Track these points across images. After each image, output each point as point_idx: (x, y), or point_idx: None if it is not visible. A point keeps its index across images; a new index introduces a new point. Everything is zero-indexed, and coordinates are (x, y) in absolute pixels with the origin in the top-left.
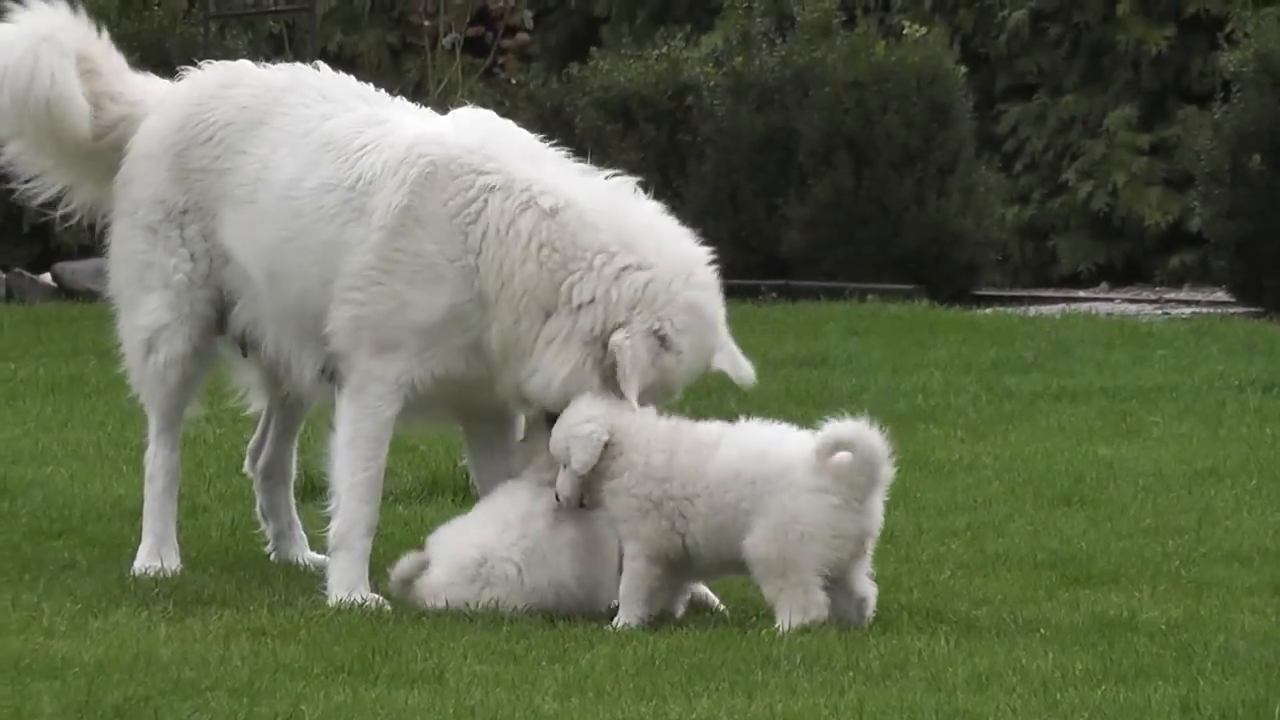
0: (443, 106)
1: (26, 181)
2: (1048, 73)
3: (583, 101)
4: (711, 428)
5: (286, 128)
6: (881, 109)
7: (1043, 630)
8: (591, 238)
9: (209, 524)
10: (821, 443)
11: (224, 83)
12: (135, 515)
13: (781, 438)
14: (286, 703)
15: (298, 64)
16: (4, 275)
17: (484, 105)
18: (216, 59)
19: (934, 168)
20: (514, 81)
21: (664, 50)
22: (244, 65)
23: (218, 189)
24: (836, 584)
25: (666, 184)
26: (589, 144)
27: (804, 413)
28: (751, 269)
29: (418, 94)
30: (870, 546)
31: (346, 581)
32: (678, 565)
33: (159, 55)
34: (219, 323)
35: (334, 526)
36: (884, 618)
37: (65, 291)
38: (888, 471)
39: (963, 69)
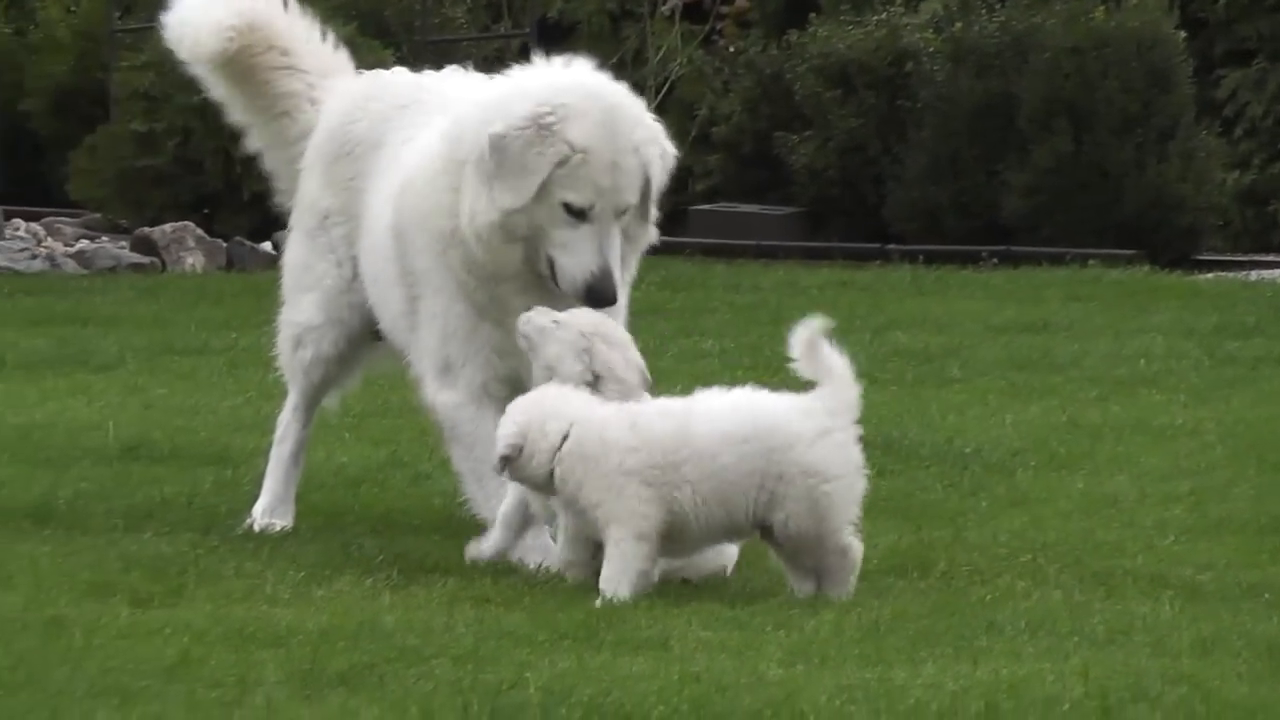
0: (661, 74)
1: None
2: (1267, 38)
3: (802, 68)
4: (667, 400)
5: (393, 150)
6: (1101, 74)
7: (1267, 595)
8: None
9: (431, 491)
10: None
11: (366, 95)
12: (357, 483)
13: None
14: (511, 670)
15: (429, 72)
16: (224, 244)
17: (702, 72)
18: (433, 28)
19: (1154, 133)
20: (732, 49)
21: (883, 16)
22: (384, 77)
23: (356, 204)
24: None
25: (886, 150)
26: (808, 110)
27: (1025, 378)
28: (972, 235)
29: (636, 61)
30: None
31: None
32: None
33: (377, 25)
34: (371, 327)
35: None
36: (1108, 583)
37: None
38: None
39: (1182, 34)
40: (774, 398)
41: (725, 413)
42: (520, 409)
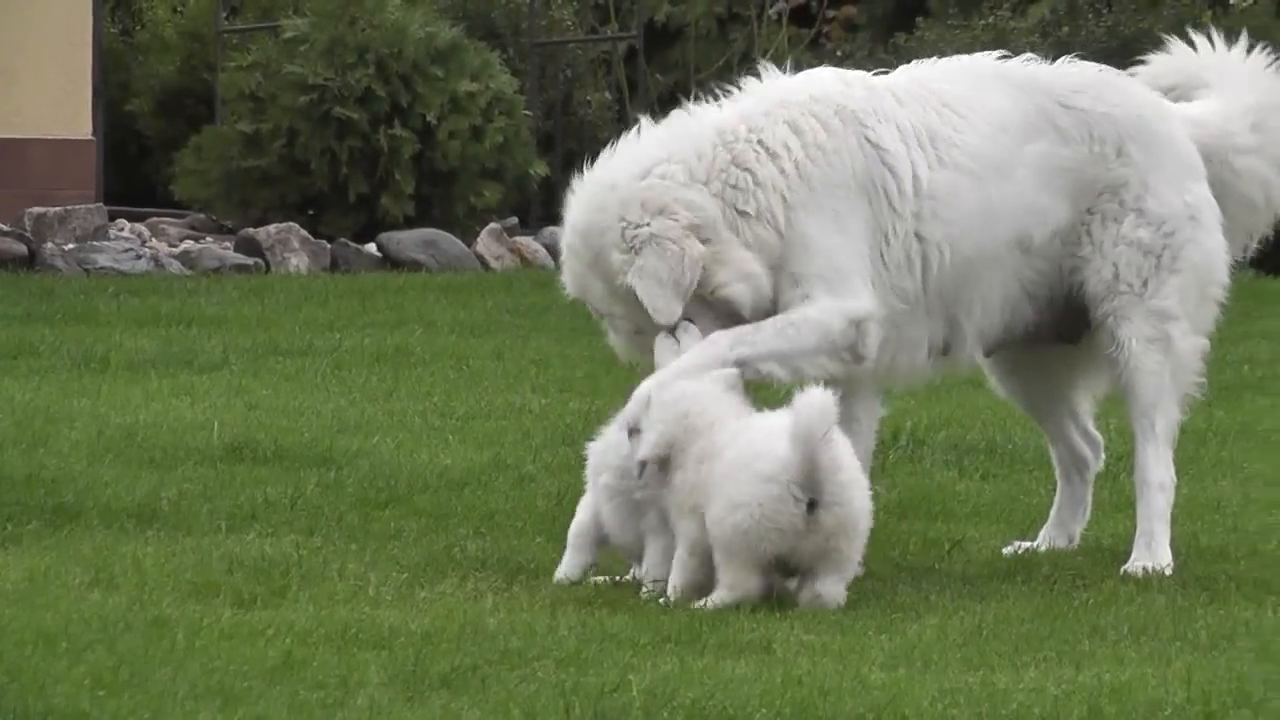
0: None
1: None
2: None
3: None
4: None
5: None
6: None
7: None
8: None
9: (535, 494)
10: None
11: None
12: (461, 485)
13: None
14: (614, 672)
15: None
16: (330, 245)
17: None
18: (540, 30)
19: None
20: (839, 52)
21: (990, 20)
22: None
23: None
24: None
25: None
26: None
27: None
28: None
29: (743, 64)
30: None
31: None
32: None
33: (485, 26)
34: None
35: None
36: (1211, 588)
37: (390, 261)
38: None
39: None
40: None
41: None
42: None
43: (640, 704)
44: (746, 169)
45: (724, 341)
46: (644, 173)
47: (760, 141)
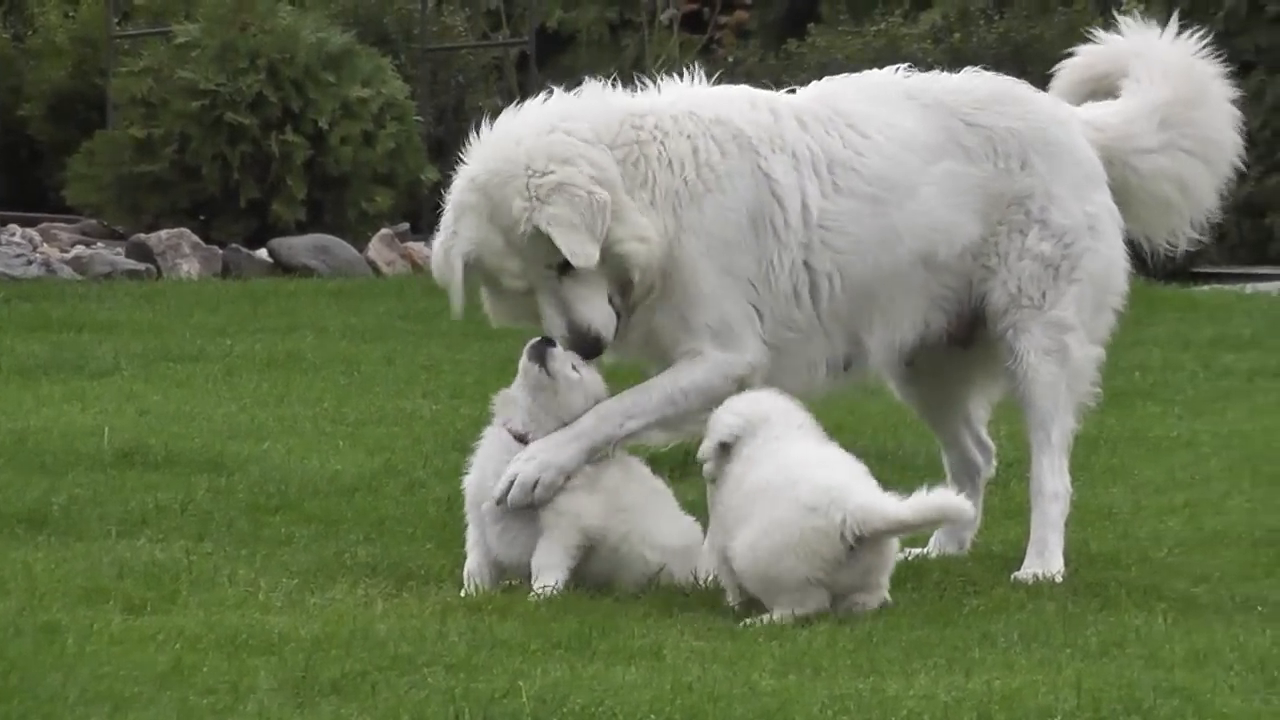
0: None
1: None
2: (1265, 50)
3: (800, 78)
4: None
5: None
6: None
7: (1261, 608)
8: None
9: (425, 499)
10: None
11: None
12: (352, 491)
13: None
14: (504, 679)
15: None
16: (221, 251)
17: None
18: (432, 36)
19: None
20: (731, 58)
21: (882, 27)
22: None
23: None
24: None
25: None
26: None
27: None
28: None
29: (635, 70)
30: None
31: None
32: None
33: (377, 31)
34: None
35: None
36: (1102, 595)
37: (282, 267)
38: None
39: None
40: None
41: None
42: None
43: (530, 710)
44: (648, 161)
45: (615, 418)
46: (550, 128)
47: (663, 145)
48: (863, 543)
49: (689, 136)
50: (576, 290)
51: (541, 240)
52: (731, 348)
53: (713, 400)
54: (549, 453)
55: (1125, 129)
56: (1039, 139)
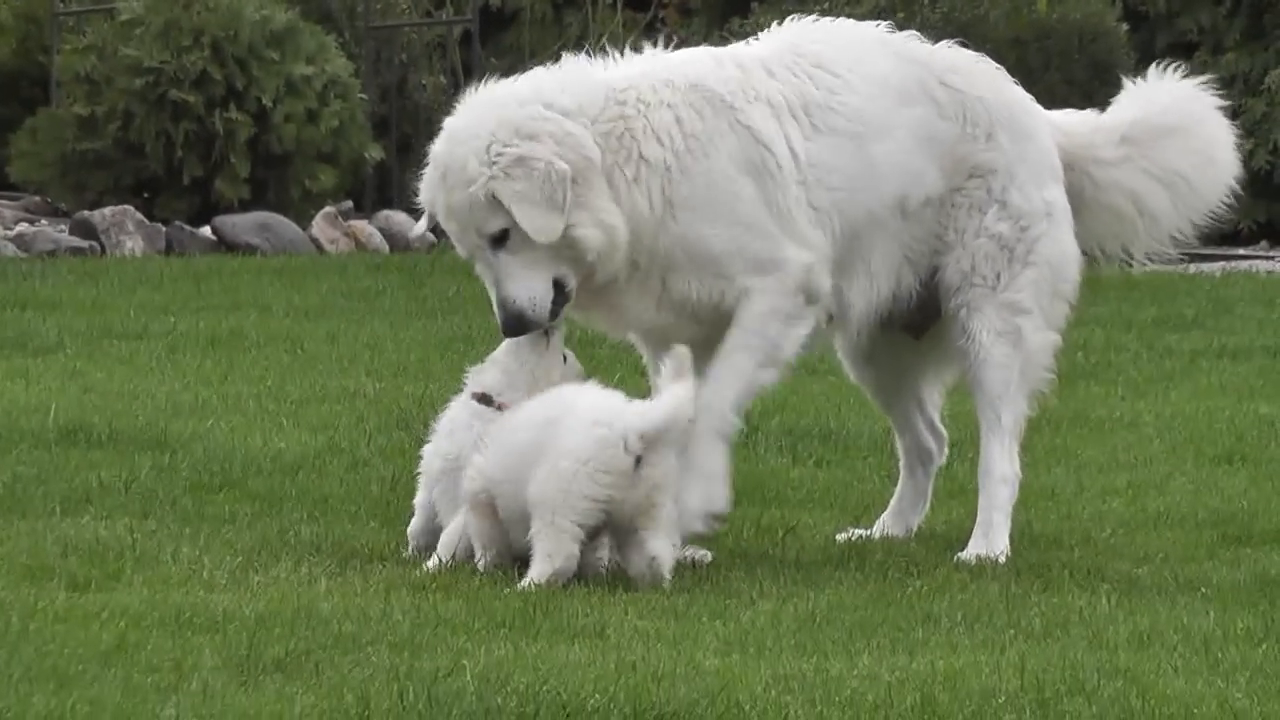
0: None
1: None
2: (1208, 31)
3: None
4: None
5: None
6: (1044, 66)
7: (1204, 589)
8: None
9: (369, 478)
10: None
11: None
12: (295, 470)
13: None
14: (447, 657)
15: None
16: (164, 228)
17: None
18: (375, 13)
19: None
20: (675, 37)
21: (825, 6)
22: None
23: None
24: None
25: None
26: None
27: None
28: None
29: (579, 48)
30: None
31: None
32: None
33: (320, 9)
34: None
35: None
36: (1045, 576)
37: (225, 245)
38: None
39: (1124, 27)
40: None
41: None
42: None
43: (474, 689)
44: (633, 137)
45: (726, 403)
46: (534, 100)
47: (647, 117)
48: (644, 457)
49: (670, 106)
50: (509, 266)
51: (480, 209)
52: (772, 269)
53: (787, 317)
54: (695, 473)
55: (1088, 137)
56: (1007, 117)
